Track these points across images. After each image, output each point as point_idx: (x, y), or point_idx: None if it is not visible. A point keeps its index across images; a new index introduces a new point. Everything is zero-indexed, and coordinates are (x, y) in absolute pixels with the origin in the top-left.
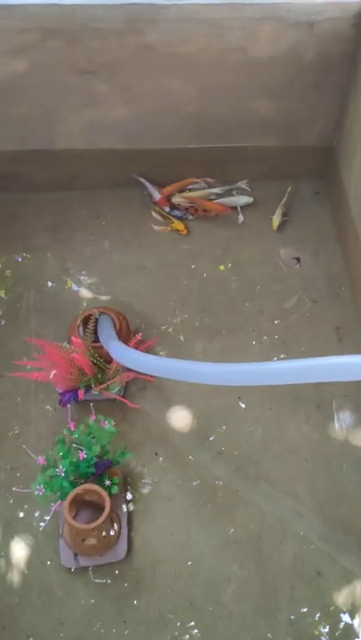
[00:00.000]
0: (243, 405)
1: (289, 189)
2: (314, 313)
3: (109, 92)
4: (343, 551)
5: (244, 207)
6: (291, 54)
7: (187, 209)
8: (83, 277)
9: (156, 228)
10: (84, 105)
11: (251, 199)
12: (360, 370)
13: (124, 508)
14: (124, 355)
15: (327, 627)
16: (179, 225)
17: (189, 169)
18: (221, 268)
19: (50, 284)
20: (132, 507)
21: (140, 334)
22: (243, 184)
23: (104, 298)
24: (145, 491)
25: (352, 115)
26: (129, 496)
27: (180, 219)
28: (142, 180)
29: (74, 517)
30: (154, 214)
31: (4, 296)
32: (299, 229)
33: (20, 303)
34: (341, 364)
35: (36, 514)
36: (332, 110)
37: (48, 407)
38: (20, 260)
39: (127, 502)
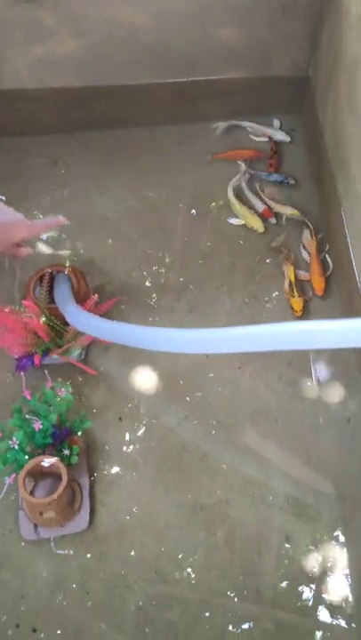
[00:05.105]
0: (211, 364)
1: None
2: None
3: (56, 23)
4: (312, 517)
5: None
6: None
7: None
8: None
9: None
10: (30, 40)
11: (288, 138)
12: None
13: (87, 477)
14: (80, 320)
15: (295, 594)
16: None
17: (156, 107)
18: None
19: None
20: (94, 475)
21: (97, 295)
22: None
23: (64, 253)
24: (108, 458)
25: (326, 41)
26: (92, 463)
27: (281, 183)
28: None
29: (34, 487)
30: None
31: None
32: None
33: None
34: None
35: None
36: (304, 36)
37: (8, 374)
38: None
39: (90, 470)
